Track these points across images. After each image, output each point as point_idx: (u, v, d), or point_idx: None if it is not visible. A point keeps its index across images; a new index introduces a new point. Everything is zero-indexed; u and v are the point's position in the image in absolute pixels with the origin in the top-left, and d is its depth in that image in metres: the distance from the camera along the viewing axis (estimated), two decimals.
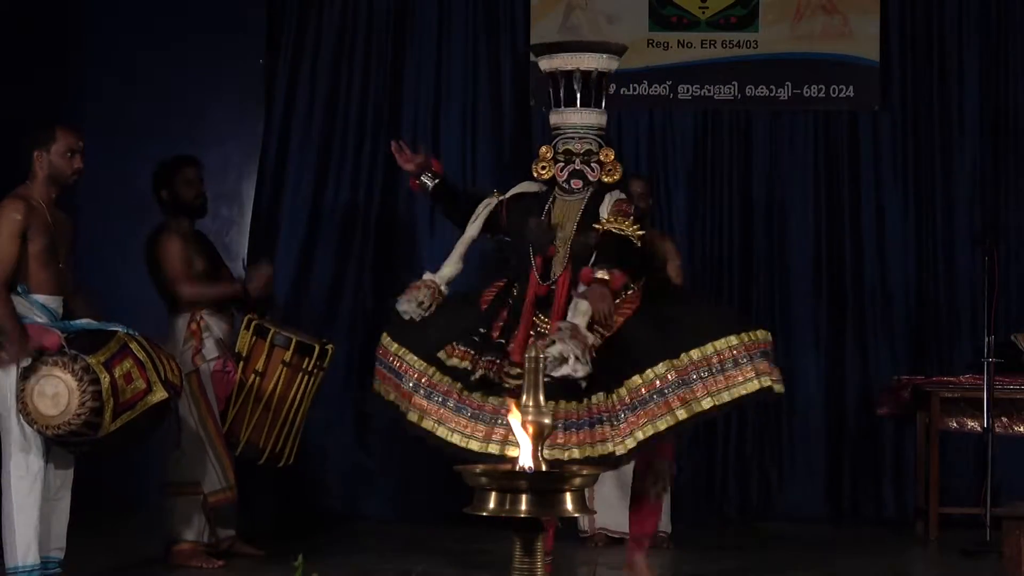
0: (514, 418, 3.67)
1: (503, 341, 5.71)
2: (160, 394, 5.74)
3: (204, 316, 6.70)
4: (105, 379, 5.54)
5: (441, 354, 5.76)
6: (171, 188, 6.79)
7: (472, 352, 5.73)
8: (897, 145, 8.67)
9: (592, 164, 5.91)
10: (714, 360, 5.58)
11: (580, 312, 5.59)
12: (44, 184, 5.82)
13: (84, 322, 5.75)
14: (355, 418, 8.55)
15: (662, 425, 5.53)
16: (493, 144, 8.72)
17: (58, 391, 5.53)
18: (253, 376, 6.69)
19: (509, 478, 3.57)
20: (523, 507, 3.54)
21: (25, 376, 5.57)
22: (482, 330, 5.75)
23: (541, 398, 3.66)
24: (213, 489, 6.63)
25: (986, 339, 7.41)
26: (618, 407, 5.55)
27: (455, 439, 5.66)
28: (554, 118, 6.00)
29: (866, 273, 8.62)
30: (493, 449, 5.55)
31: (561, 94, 5.95)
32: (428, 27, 8.71)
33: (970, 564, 7.05)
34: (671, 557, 7.19)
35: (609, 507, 7.37)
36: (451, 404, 5.71)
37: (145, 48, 8.60)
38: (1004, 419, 7.86)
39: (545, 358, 5.28)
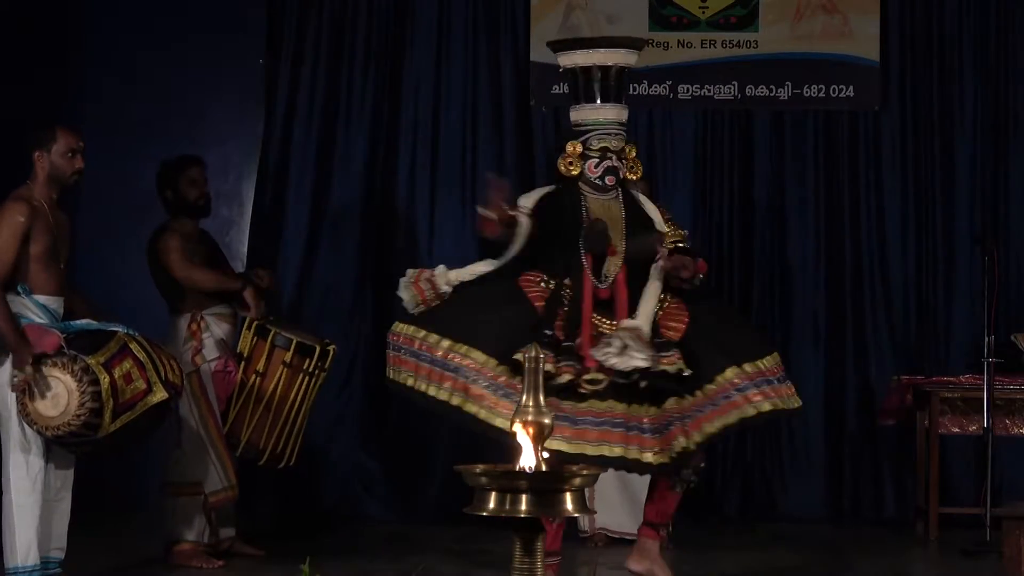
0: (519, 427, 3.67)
1: (571, 344, 5.60)
2: (160, 394, 5.74)
3: (205, 316, 6.70)
4: (105, 380, 5.54)
5: (518, 356, 5.46)
6: (175, 188, 6.79)
7: (552, 355, 5.53)
8: (897, 145, 8.67)
9: (623, 160, 5.85)
10: (770, 372, 5.72)
11: (650, 295, 5.66)
12: (45, 185, 5.82)
13: (84, 323, 5.75)
14: (356, 418, 8.55)
15: (733, 419, 5.63)
16: (493, 144, 8.72)
17: (57, 392, 5.53)
18: (254, 376, 6.69)
19: (509, 478, 3.57)
20: (523, 507, 3.54)
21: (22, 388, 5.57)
22: (548, 332, 5.63)
23: (541, 398, 3.66)
24: (214, 489, 6.63)
25: (986, 339, 7.40)
26: (690, 408, 5.59)
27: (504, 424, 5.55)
28: (578, 114, 5.88)
29: (866, 273, 8.62)
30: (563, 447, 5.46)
31: (592, 89, 5.85)
32: (428, 27, 8.71)
33: (970, 564, 7.05)
34: (671, 557, 7.18)
35: (609, 507, 7.37)
36: (502, 390, 5.57)
37: (145, 48, 8.61)
38: (1004, 419, 7.86)
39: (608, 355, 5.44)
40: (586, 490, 3.76)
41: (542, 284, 5.77)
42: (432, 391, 5.66)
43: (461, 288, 5.87)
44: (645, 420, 5.50)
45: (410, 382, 5.75)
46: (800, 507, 8.50)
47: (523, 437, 3.64)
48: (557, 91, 8.59)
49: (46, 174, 5.82)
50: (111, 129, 8.42)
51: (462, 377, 5.60)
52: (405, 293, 5.88)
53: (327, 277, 8.62)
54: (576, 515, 3.71)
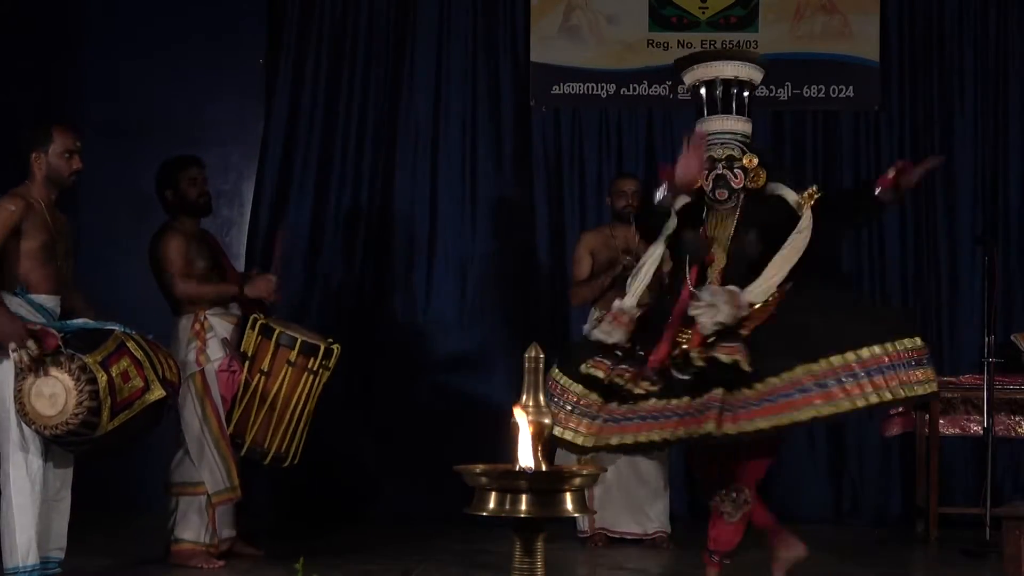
0: (520, 416, 3.66)
1: (643, 353, 5.56)
2: (158, 392, 5.74)
3: (208, 316, 6.71)
4: (102, 378, 5.54)
5: (583, 367, 5.57)
6: (175, 187, 6.80)
7: (608, 363, 5.55)
8: (897, 145, 8.67)
9: (735, 170, 5.75)
10: (855, 367, 5.35)
11: (775, 267, 5.60)
12: (43, 185, 5.82)
13: (81, 321, 5.75)
14: (356, 418, 8.56)
15: (784, 420, 5.35)
16: (493, 144, 8.73)
17: (55, 391, 5.53)
18: (258, 376, 6.69)
19: (509, 478, 3.57)
20: (523, 507, 3.54)
21: (23, 376, 5.57)
22: (627, 345, 5.61)
23: (541, 398, 3.66)
24: (217, 489, 6.63)
25: (986, 339, 7.41)
26: (740, 401, 5.37)
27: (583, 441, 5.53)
28: (700, 129, 5.84)
29: (866, 273, 8.63)
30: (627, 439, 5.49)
31: (706, 104, 5.83)
32: (428, 27, 8.72)
33: (970, 564, 7.05)
34: (671, 557, 7.19)
35: (609, 507, 7.38)
36: (587, 413, 5.55)
37: (145, 48, 8.61)
38: (1004, 419, 7.86)
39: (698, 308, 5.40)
40: (586, 490, 3.75)
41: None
42: (568, 436, 5.62)
43: None
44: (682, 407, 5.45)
45: (557, 432, 5.63)
46: (800, 507, 8.49)
47: (523, 437, 3.64)
48: (557, 91, 8.61)
49: (43, 175, 5.82)
50: (111, 129, 8.43)
51: (554, 404, 5.56)
52: (617, 332, 5.71)
53: (328, 276, 8.63)
54: (576, 515, 3.70)
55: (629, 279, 5.89)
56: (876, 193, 5.64)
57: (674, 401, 5.46)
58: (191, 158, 6.93)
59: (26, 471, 5.67)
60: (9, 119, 7.30)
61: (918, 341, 5.41)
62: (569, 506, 3.59)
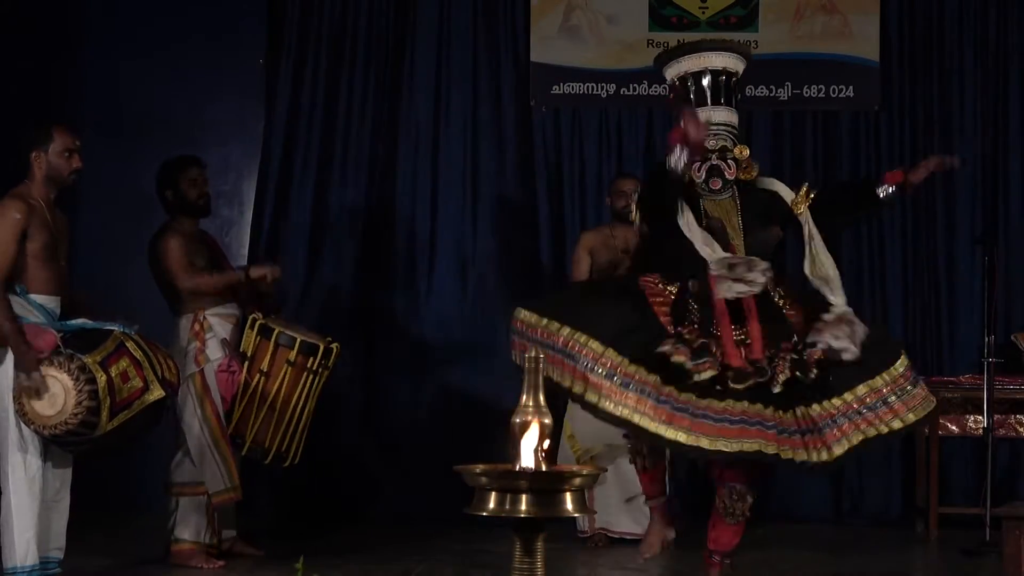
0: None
1: (706, 342, 5.50)
2: (157, 392, 5.74)
3: (208, 316, 6.70)
4: (101, 378, 5.54)
5: (664, 349, 5.44)
6: (175, 188, 6.80)
7: (688, 351, 5.46)
8: (897, 145, 8.67)
9: (728, 161, 5.75)
10: (902, 382, 5.58)
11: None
12: (43, 184, 5.82)
13: (80, 321, 5.74)
14: (357, 418, 8.56)
15: (871, 433, 5.55)
16: (493, 144, 8.73)
17: (54, 391, 5.53)
18: (258, 376, 6.69)
19: (509, 478, 3.57)
20: (523, 507, 3.53)
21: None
22: (679, 330, 5.55)
23: (541, 398, 3.66)
24: (217, 489, 6.63)
25: (986, 339, 7.41)
26: (824, 416, 5.48)
27: (660, 430, 5.42)
28: (720, 115, 5.83)
29: (865, 273, 8.62)
30: (703, 443, 5.41)
31: (694, 95, 5.82)
32: (428, 27, 8.72)
33: (970, 564, 7.05)
34: (671, 557, 7.19)
35: (609, 507, 7.38)
36: (649, 393, 5.44)
37: (145, 48, 8.61)
38: (1004, 419, 7.86)
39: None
40: (586, 490, 3.75)
41: (660, 286, 5.67)
42: (555, 376, 5.52)
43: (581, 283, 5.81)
44: (784, 421, 5.43)
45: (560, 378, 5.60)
46: (800, 507, 8.50)
47: (524, 437, 3.64)
48: (557, 91, 8.61)
49: (43, 174, 5.82)
50: (112, 129, 8.43)
51: (581, 366, 5.48)
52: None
53: (328, 276, 8.63)
54: (576, 515, 3.70)
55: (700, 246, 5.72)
56: (880, 190, 5.67)
57: (758, 407, 5.41)
58: (191, 158, 6.93)
59: (25, 471, 5.67)
60: (9, 119, 7.29)
61: (907, 361, 5.62)
62: (569, 506, 3.58)
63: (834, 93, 8.66)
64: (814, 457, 5.46)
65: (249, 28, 8.74)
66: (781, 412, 5.43)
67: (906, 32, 8.70)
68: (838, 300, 5.66)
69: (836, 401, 5.50)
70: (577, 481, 3.62)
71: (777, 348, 5.50)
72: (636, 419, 5.42)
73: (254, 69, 8.76)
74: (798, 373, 5.44)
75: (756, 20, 8.69)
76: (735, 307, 5.57)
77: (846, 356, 5.49)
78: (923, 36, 8.70)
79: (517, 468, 3.59)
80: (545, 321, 5.62)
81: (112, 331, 5.71)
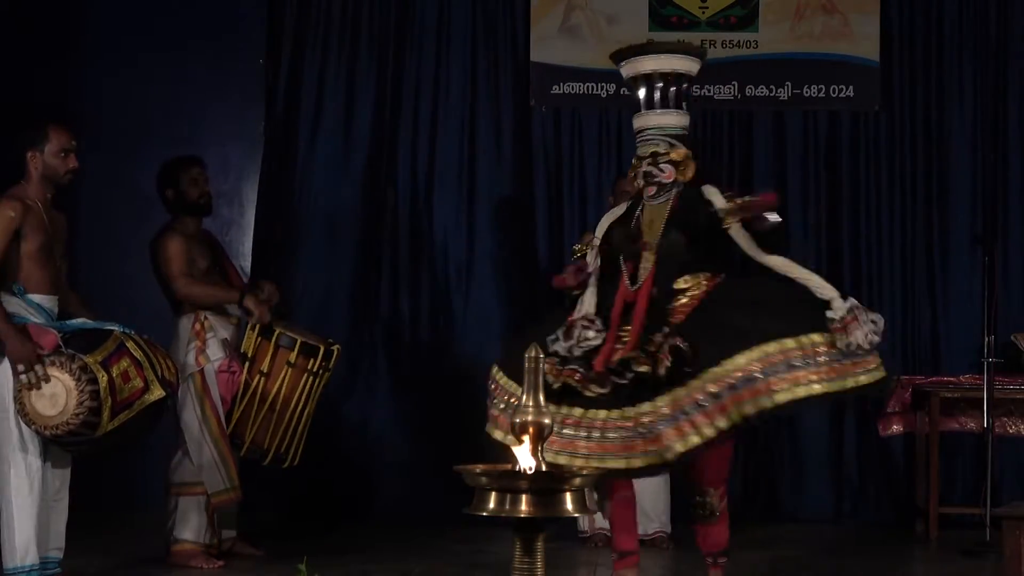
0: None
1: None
2: (157, 392, 5.74)
3: (208, 316, 6.71)
4: (103, 378, 5.54)
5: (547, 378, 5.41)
6: (176, 187, 6.81)
7: (556, 363, 5.45)
8: (897, 145, 8.67)
9: (661, 165, 5.71)
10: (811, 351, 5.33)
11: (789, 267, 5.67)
12: (39, 184, 5.82)
13: (80, 321, 5.75)
14: (356, 418, 8.56)
15: (722, 424, 5.24)
16: (493, 144, 8.72)
17: (56, 391, 5.53)
18: (258, 377, 6.69)
19: (509, 478, 3.57)
20: (523, 507, 3.54)
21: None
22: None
23: (541, 398, 3.66)
24: (217, 489, 6.63)
25: (986, 339, 7.41)
26: (688, 401, 5.27)
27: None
28: (634, 123, 5.85)
29: (865, 272, 8.62)
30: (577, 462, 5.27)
31: (640, 97, 5.79)
32: (428, 27, 8.72)
33: (970, 564, 7.05)
34: (671, 557, 7.19)
35: None
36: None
37: (145, 48, 8.61)
38: (1004, 419, 7.86)
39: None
40: (586, 490, 3.75)
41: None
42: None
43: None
44: (644, 420, 5.32)
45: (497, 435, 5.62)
46: (800, 507, 8.50)
47: (523, 437, 3.65)
48: (557, 91, 8.61)
49: (40, 174, 5.82)
50: (112, 129, 8.43)
51: (492, 404, 5.56)
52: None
53: (328, 277, 8.62)
54: (576, 515, 3.71)
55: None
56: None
57: (627, 411, 5.32)
58: (192, 158, 6.93)
59: (25, 471, 5.67)
60: (9, 119, 7.29)
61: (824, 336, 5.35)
62: (569, 506, 3.59)
63: (834, 93, 8.65)
64: (688, 444, 5.25)
65: (249, 28, 8.74)
66: (646, 405, 5.30)
67: (906, 32, 8.70)
68: (834, 302, 5.51)
69: (717, 370, 5.26)
70: (577, 481, 3.62)
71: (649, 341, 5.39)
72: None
73: (254, 69, 8.76)
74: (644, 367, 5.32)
75: (756, 20, 8.68)
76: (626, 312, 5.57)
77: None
78: (923, 36, 8.70)
79: (517, 468, 3.60)
80: (498, 373, 5.65)
81: (112, 331, 5.71)
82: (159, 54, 8.59)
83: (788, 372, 5.25)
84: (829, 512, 8.52)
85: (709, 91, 8.64)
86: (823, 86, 8.65)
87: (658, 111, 5.76)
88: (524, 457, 3.63)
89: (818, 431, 8.54)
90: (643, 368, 5.31)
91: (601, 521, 7.39)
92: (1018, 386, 7.73)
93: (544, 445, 3.71)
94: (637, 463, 5.32)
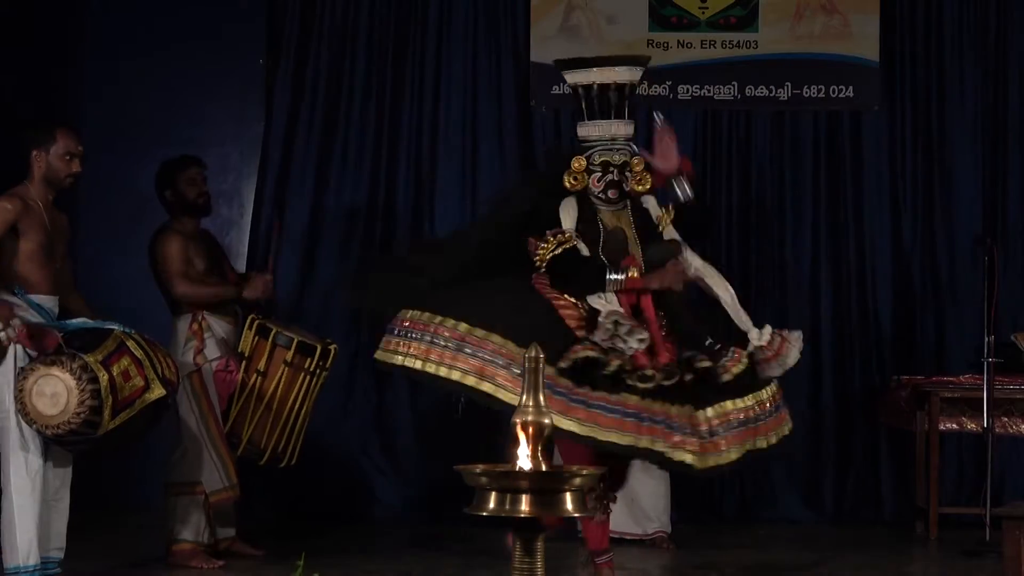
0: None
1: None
2: (158, 391, 5.74)
3: (206, 316, 6.71)
4: (104, 377, 5.55)
5: (577, 350, 5.57)
6: (175, 187, 6.81)
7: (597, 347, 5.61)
8: (897, 145, 8.67)
9: (627, 174, 5.95)
10: (768, 405, 5.84)
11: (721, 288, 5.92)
12: (41, 184, 5.83)
13: (80, 321, 5.75)
14: (356, 418, 8.56)
15: (747, 447, 5.70)
16: (493, 144, 8.72)
17: (57, 390, 5.53)
18: (255, 376, 6.69)
19: (509, 478, 3.57)
20: (523, 507, 3.54)
21: (23, 376, 5.57)
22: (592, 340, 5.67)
23: (541, 398, 3.66)
24: (215, 488, 6.63)
25: (986, 339, 7.41)
26: (715, 424, 5.63)
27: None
28: (583, 130, 6.00)
29: (866, 273, 8.62)
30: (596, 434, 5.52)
31: (593, 106, 5.96)
32: (428, 27, 8.72)
33: (970, 564, 7.05)
34: (671, 557, 7.19)
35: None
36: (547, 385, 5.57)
37: (145, 48, 8.61)
38: (1004, 419, 7.86)
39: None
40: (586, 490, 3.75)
41: (569, 301, 5.79)
42: (443, 372, 5.69)
43: (473, 279, 5.87)
44: (677, 418, 5.54)
45: (417, 365, 5.75)
46: (800, 507, 8.50)
47: (523, 437, 3.64)
48: (557, 91, 8.59)
49: (42, 174, 5.83)
50: (111, 129, 8.43)
51: (477, 359, 5.63)
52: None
53: (328, 277, 8.62)
54: (576, 515, 3.70)
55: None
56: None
57: (657, 405, 5.54)
58: (191, 158, 6.93)
59: (26, 471, 5.68)
60: (9, 119, 7.29)
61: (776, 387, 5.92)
62: (569, 506, 3.59)
63: (834, 93, 8.65)
64: (710, 462, 5.58)
65: (249, 28, 8.74)
66: (675, 407, 5.55)
67: (906, 32, 8.70)
68: (751, 333, 5.88)
69: (729, 405, 5.68)
70: (577, 481, 3.62)
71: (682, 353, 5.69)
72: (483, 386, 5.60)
73: (254, 69, 8.76)
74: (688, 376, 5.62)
75: (756, 20, 8.68)
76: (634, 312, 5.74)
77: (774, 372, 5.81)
78: (923, 36, 8.70)
79: (517, 468, 3.60)
80: (439, 319, 5.73)
81: (113, 330, 5.72)
82: (159, 54, 8.60)
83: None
84: (829, 512, 8.52)
85: (709, 91, 8.64)
86: (823, 86, 8.65)
87: (624, 121, 5.99)
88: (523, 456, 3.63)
89: (818, 431, 8.54)
90: (704, 364, 5.62)
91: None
92: (1018, 386, 7.73)
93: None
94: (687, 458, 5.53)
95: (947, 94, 8.68)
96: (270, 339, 6.70)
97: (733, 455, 5.66)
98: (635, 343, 5.58)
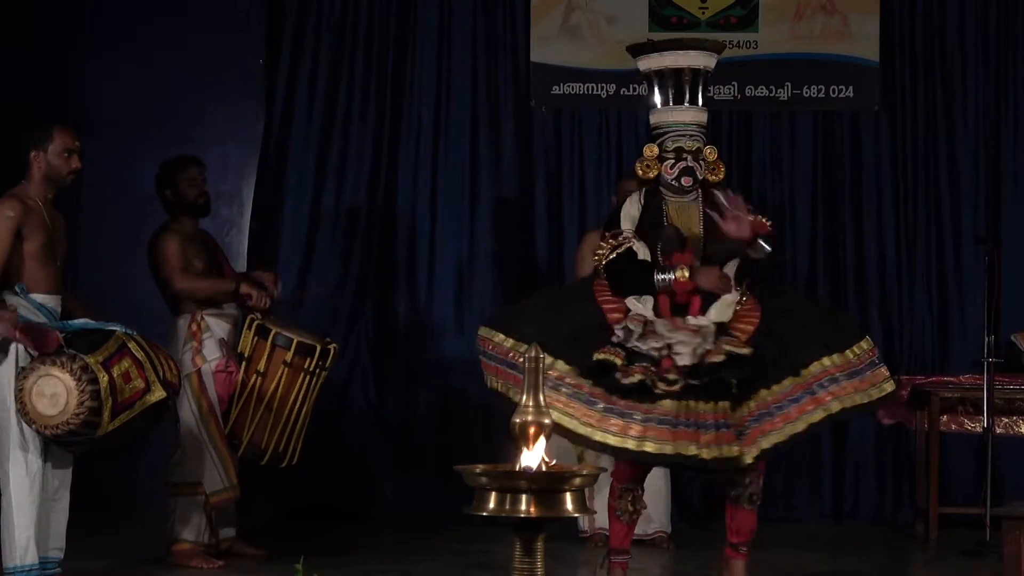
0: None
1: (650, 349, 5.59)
2: (158, 393, 5.74)
3: (205, 316, 6.71)
4: (103, 378, 5.54)
5: (599, 356, 5.52)
6: (174, 187, 6.81)
7: (624, 359, 5.52)
8: (897, 145, 8.67)
9: (700, 161, 5.79)
10: (833, 371, 5.62)
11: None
12: (41, 184, 5.82)
13: (82, 322, 5.75)
14: (356, 418, 8.56)
15: (788, 431, 5.55)
16: (493, 144, 8.72)
17: (56, 391, 5.52)
18: (255, 376, 6.69)
19: (509, 478, 3.57)
20: (523, 507, 3.54)
21: (23, 376, 5.57)
22: (621, 332, 5.60)
23: (541, 398, 3.66)
24: (215, 489, 6.64)
25: (986, 339, 7.41)
26: (746, 417, 5.52)
27: (584, 431, 5.48)
28: (656, 117, 5.85)
29: (866, 273, 8.62)
30: (629, 444, 5.44)
31: (668, 92, 5.80)
32: (428, 27, 8.71)
33: (970, 564, 7.05)
34: (671, 557, 7.19)
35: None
36: (580, 396, 5.51)
37: (145, 48, 8.60)
38: (1004, 419, 7.86)
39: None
40: (586, 490, 3.75)
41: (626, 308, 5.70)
42: (506, 389, 5.61)
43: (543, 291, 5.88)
44: (710, 417, 5.47)
45: (501, 388, 5.68)
46: (800, 507, 8.50)
47: (523, 437, 3.65)
48: (557, 91, 8.61)
49: (42, 174, 5.82)
50: (112, 129, 8.42)
51: (548, 387, 5.48)
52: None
53: (327, 277, 8.62)
54: (576, 515, 3.71)
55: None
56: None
57: (692, 405, 5.47)
58: (190, 158, 6.94)
59: (26, 471, 5.67)
60: (9, 119, 7.29)
61: (870, 341, 5.72)
62: (569, 506, 3.59)
63: (834, 93, 8.65)
64: (732, 453, 5.46)
65: (249, 28, 8.74)
66: (710, 404, 5.47)
67: (906, 32, 8.70)
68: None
69: (765, 394, 5.55)
70: (577, 481, 3.62)
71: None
72: (565, 422, 5.45)
73: (254, 69, 8.76)
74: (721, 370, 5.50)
75: (756, 20, 8.68)
76: (684, 308, 5.65)
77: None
78: (923, 36, 8.70)
79: (517, 468, 3.60)
80: (511, 342, 5.67)
81: (114, 331, 5.71)
82: (159, 54, 8.59)
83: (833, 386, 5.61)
84: (829, 512, 8.52)
85: (709, 91, 8.61)
86: (823, 86, 8.65)
87: (698, 107, 5.84)
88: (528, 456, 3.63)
89: (818, 431, 8.52)
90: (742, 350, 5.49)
91: (601, 521, 7.39)
92: (1018, 386, 7.73)
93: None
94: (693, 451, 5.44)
95: (947, 94, 8.67)
96: (270, 339, 6.70)
97: (775, 438, 5.53)
98: (647, 347, 5.50)
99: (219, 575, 6.55)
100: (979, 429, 7.58)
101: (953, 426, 7.96)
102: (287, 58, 8.68)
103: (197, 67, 8.63)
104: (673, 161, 5.76)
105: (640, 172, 5.82)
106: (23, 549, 5.67)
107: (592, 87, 8.66)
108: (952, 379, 7.92)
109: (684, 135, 5.78)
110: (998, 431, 7.68)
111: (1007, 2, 8.67)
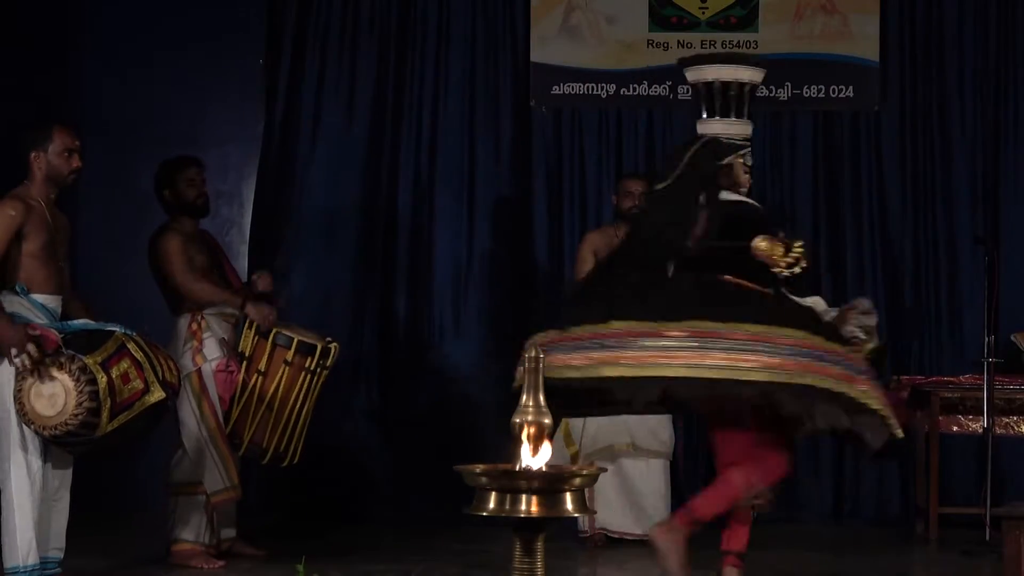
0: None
1: None
2: (158, 394, 5.74)
3: (205, 316, 6.71)
4: (102, 379, 5.54)
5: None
6: (173, 188, 6.81)
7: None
8: (897, 145, 8.67)
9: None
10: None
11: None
12: (43, 184, 5.82)
13: (82, 322, 5.75)
14: (356, 418, 8.56)
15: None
16: (493, 144, 8.72)
17: (55, 391, 5.52)
18: (256, 376, 6.69)
19: (509, 478, 3.57)
20: (523, 507, 3.54)
21: (22, 376, 5.57)
22: None
23: (541, 398, 3.66)
24: (216, 489, 6.63)
25: (986, 339, 7.41)
26: None
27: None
28: (732, 128, 6.10)
29: (866, 273, 8.62)
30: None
31: (718, 104, 6.02)
32: (428, 27, 8.72)
33: (970, 564, 7.05)
34: None
35: (609, 507, 7.37)
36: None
37: (145, 48, 8.61)
38: (1004, 419, 7.86)
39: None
40: (586, 490, 3.76)
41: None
42: (578, 374, 5.47)
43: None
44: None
45: (567, 374, 5.52)
46: (800, 507, 8.50)
47: (523, 437, 3.64)
48: (557, 91, 8.61)
49: (43, 174, 5.82)
50: (112, 129, 8.43)
51: (608, 350, 5.43)
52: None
53: (327, 277, 8.62)
54: (576, 515, 3.71)
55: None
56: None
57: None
58: (190, 158, 6.93)
59: (26, 471, 5.67)
60: (9, 120, 7.30)
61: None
62: (569, 506, 3.59)
63: (834, 93, 8.65)
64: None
65: (249, 28, 8.74)
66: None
67: (906, 32, 8.70)
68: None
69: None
70: (577, 481, 3.62)
71: None
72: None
73: (254, 69, 8.76)
74: None
75: (756, 20, 8.68)
76: None
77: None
78: (923, 36, 8.70)
79: (517, 468, 3.60)
80: (563, 333, 5.54)
81: (113, 332, 5.71)
82: (159, 54, 8.59)
83: None
84: (829, 512, 8.52)
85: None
86: (823, 86, 8.65)
87: (747, 121, 5.97)
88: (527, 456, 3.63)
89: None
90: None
91: (601, 521, 7.39)
92: (1018, 386, 7.73)
93: None
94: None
95: (947, 94, 8.67)
96: (270, 339, 6.70)
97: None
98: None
99: (219, 575, 6.55)
100: (979, 429, 7.58)
101: (953, 426, 7.96)
102: (287, 58, 8.69)
103: (197, 67, 8.63)
104: (749, 176, 6.00)
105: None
106: (24, 549, 5.67)
107: (592, 87, 8.67)
108: (952, 379, 7.92)
109: (746, 151, 6.03)
110: (998, 431, 7.68)
111: (1006, 2, 8.67)
